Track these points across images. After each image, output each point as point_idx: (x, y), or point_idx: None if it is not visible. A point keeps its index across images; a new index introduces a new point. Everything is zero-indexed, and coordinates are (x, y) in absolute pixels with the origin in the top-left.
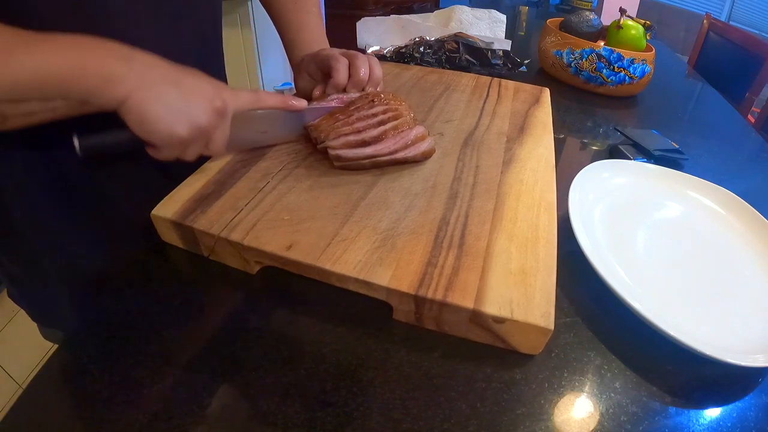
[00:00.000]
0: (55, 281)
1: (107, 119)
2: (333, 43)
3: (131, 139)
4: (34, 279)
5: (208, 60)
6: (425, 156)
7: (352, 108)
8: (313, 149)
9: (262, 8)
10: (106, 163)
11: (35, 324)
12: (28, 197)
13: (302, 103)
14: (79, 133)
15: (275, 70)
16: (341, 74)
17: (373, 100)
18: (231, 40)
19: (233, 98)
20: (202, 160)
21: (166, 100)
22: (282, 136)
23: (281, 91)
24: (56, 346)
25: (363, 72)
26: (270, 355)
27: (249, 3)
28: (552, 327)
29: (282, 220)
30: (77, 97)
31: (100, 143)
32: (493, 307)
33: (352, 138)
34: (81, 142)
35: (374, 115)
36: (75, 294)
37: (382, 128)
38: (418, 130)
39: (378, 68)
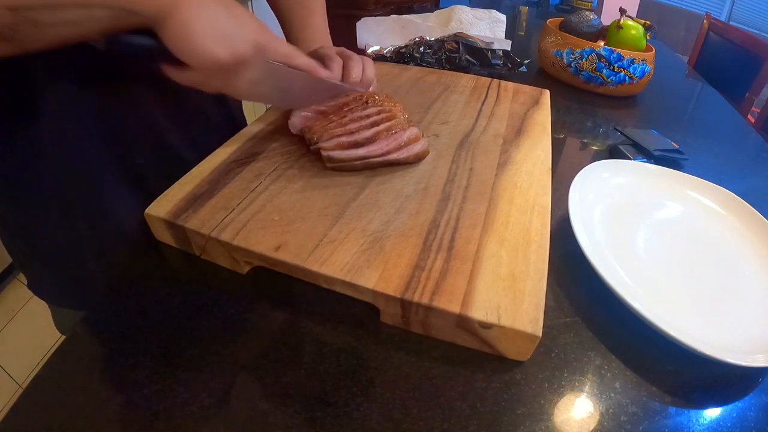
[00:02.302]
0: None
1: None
2: (333, 43)
3: (158, 49)
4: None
5: None
6: (418, 158)
7: (346, 109)
8: (306, 150)
9: (263, 8)
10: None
11: (35, 324)
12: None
13: (326, 73)
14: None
15: None
16: (334, 75)
17: (366, 101)
18: None
19: (274, 43)
20: (198, 161)
21: (212, 17)
22: (297, 102)
23: None
24: (56, 345)
25: (355, 74)
26: (270, 355)
27: (249, 3)
28: (539, 334)
29: (272, 221)
30: (122, 5)
31: (127, 40)
32: (479, 312)
33: (344, 139)
34: (107, 37)
35: (367, 116)
36: (81, 283)
37: (375, 129)
38: (412, 131)
39: (371, 70)
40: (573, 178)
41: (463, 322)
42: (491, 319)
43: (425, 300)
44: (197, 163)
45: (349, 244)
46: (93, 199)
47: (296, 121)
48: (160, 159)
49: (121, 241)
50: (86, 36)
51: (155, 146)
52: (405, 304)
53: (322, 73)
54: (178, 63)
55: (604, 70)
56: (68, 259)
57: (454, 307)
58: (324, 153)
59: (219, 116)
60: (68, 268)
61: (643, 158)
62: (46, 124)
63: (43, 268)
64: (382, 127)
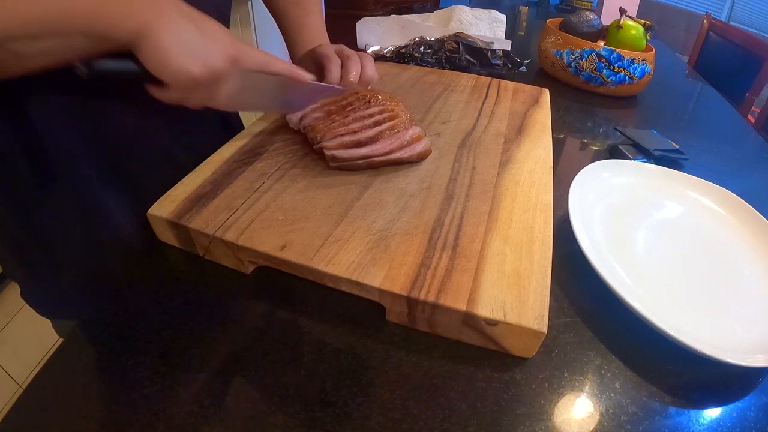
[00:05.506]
0: (67, 269)
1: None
2: (333, 43)
3: (139, 72)
4: (46, 267)
5: None
6: (421, 157)
7: (349, 108)
8: (309, 149)
9: (262, 8)
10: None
11: (35, 324)
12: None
13: (308, 76)
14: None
15: None
16: (333, 75)
17: (369, 101)
18: None
19: (248, 52)
20: (203, 157)
21: (184, 36)
22: (287, 107)
23: None
24: (56, 345)
25: (353, 74)
26: (270, 355)
27: (249, 3)
28: (545, 330)
29: (276, 221)
30: (97, 32)
31: (106, 67)
32: (485, 309)
33: (347, 138)
34: (85, 64)
35: (370, 115)
36: (79, 288)
37: (377, 129)
38: (414, 130)
39: (370, 67)
40: (573, 178)
41: (469, 319)
42: (497, 316)
43: (431, 298)
44: (191, 165)
45: (355, 242)
46: (87, 205)
47: (294, 117)
48: (154, 162)
49: (117, 245)
50: (65, 62)
51: (149, 150)
52: (411, 302)
53: (304, 76)
54: (160, 82)
55: (604, 70)
56: (61, 267)
57: (460, 305)
58: (327, 152)
59: (214, 118)
60: (62, 276)
61: (643, 158)
62: (38, 130)
63: (33, 278)
64: (384, 126)
